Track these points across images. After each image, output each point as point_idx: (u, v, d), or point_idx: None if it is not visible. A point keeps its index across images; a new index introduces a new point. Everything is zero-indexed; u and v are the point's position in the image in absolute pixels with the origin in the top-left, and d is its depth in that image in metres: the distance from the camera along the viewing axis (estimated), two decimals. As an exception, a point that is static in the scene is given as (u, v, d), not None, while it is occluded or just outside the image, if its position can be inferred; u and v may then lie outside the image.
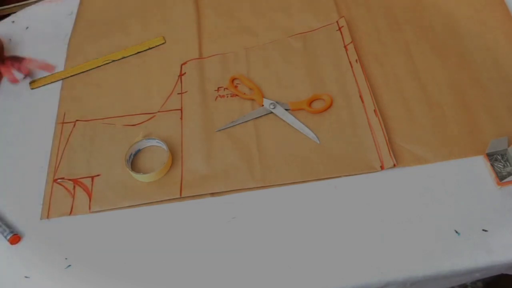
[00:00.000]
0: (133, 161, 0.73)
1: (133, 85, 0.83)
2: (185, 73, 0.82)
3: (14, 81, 0.82)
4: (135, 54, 0.87)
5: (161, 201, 0.68)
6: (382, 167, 0.66)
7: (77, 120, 0.78)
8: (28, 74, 0.83)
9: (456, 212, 0.61)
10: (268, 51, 0.83)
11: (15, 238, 0.66)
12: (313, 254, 0.60)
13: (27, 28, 0.96)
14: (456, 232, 0.60)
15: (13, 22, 0.98)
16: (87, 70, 0.86)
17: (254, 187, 0.67)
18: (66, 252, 0.65)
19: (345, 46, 0.80)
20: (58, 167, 0.74)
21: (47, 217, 0.68)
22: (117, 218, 0.68)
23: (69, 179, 0.72)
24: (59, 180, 0.71)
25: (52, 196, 0.70)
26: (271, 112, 0.74)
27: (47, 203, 0.70)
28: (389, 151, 0.66)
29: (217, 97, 0.78)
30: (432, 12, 0.83)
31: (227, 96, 0.78)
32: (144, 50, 0.87)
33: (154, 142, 0.73)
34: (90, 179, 0.72)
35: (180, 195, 0.68)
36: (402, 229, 0.61)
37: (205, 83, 0.80)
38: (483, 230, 0.59)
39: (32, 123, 0.79)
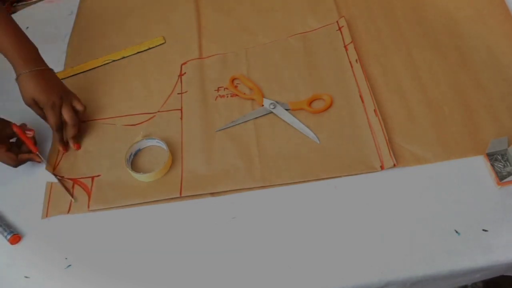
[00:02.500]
0: (133, 161, 0.73)
1: (133, 85, 0.83)
2: (185, 73, 0.82)
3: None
4: (135, 54, 0.87)
5: (161, 200, 0.68)
6: (382, 167, 0.66)
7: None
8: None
9: (456, 212, 0.61)
10: (268, 51, 0.83)
11: (15, 238, 0.66)
12: (313, 254, 0.60)
13: (27, 28, 0.95)
14: (456, 232, 0.60)
15: (13, 22, 0.97)
16: (87, 70, 0.86)
17: (254, 187, 0.67)
18: (66, 252, 0.65)
19: (345, 46, 0.80)
20: (57, 166, 0.74)
21: (46, 216, 0.68)
22: (117, 218, 0.68)
23: (69, 179, 0.72)
24: (58, 177, 0.71)
25: (51, 195, 0.70)
26: (271, 112, 0.74)
27: (47, 203, 0.70)
28: (389, 151, 0.66)
29: (217, 97, 0.78)
30: (432, 12, 0.83)
31: (227, 96, 0.78)
32: (144, 50, 0.88)
33: (154, 142, 0.73)
34: (90, 179, 0.72)
35: (180, 195, 0.68)
36: (402, 229, 0.61)
37: (205, 83, 0.80)
38: (483, 230, 0.59)
39: (32, 123, 0.79)
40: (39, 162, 0.73)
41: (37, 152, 0.72)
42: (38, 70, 0.71)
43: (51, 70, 0.74)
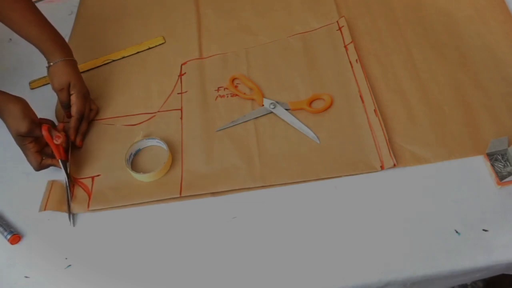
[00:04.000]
0: (133, 161, 0.73)
1: (133, 85, 0.83)
2: (185, 73, 0.82)
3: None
4: (135, 54, 0.87)
5: (161, 200, 0.68)
6: (382, 167, 0.66)
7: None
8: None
9: (456, 212, 0.61)
10: (268, 51, 0.83)
11: (15, 238, 0.66)
12: (313, 254, 0.60)
13: (27, 28, 0.95)
14: (456, 232, 0.60)
15: (13, 22, 0.97)
16: (87, 70, 0.86)
17: (254, 187, 0.67)
18: (66, 252, 0.65)
19: (345, 46, 0.80)
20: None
21: (44, 209, 0.68)
22: (117, 218, 0.68)
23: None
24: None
25: (52, 191, 0.70)
26: (271, 112, 0.74)
27: (46, 199, 0.69)
28: (389, 151, 0.66)
29: (217, 97, 0.78)
30: (432, 12, 0.83)
31: (227, 96, 0.78)
32: (144, 50, 0.87)
33: (154, 142, 0.73)
34: (90, 179, 0.72)
35: (180, 194, 0.68)
36: (402, 229, 0.61)
37: (205, 83, 0.80)
38: (483, 230, 0.59)
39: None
40: (60, 168, 0.71)
41: (65, 159, 0.70)
42: (73, 59, 0.76)
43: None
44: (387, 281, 0.58)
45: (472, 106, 0.70)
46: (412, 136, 0.69)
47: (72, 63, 0.75)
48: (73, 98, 0.74)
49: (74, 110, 0.74)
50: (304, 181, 0.67)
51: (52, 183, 0.71)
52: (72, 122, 0.74)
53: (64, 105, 0.76)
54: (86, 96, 0.76)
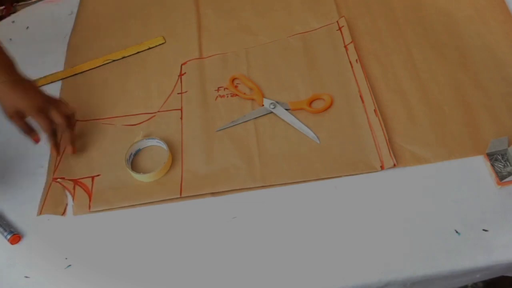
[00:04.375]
0: (133, 161, 0.73)
1: (133, 85, 0.83)
2: (185, 73, 0.82)
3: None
4: (135, 54, 0.87)
5: (161, 201, 0.68)
6: (382, 167, 0.66)
7: (77, 120, 0.78)
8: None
9: (456, 212, 0.61)
10: (268, 51, 0.83)
11: (15, 238, 0.66)
12: (313, 254, 0.60)
13: (27, 28, 0.96)
14: (456, 232, 0.60)
15: (13, 22, 0.98)
16: (87, 70, 0.86)
17: (254, 187, 0.67)
18: (66, 252, 0.65)
19: (345, 46, 0.80)
20: (57, 166, 0.74)
21: (40, 213, 0.68)
22: (117, 218, 0.68)
23: (69, 179, 0.72)
24: (59, 180, 0.71)
25: (48, 195, 0.70)
26: (271, 112, 0.74)
27: (43, 200, 0.70)
28: (389, 151, 0.66)
29: (217, 97, 0.78)
30: (432, 12, 0.83)
31: (227, 96, 0.78)
32: (144, 50, 0.87)
33: (154, 142, 0.73)
34: (90, 179, 0.72)
35: (180, 195, 0.68)
36: (402, 229, 0.61)
37: (205, 83, 0.80)
38: (483, 230, 0.59)
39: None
40: None
41: None
42: (15, 79, 0.67)
43: (30, 80, 0.70)
44: (387, 281, 0.58)
45: (472, 106, 0.70)
46: (412, 136, 0.69)
47: (12, 85, 0.65)
48: (34, 119, 0.67)
49: (41, 129, 0.68)
50: (304, 181, 0.67)
51: (49, 186, 0.71)
52: (48, 140, 0.70)
53: (26, 132, 0.69)
54: (43, 110, 0.67)
